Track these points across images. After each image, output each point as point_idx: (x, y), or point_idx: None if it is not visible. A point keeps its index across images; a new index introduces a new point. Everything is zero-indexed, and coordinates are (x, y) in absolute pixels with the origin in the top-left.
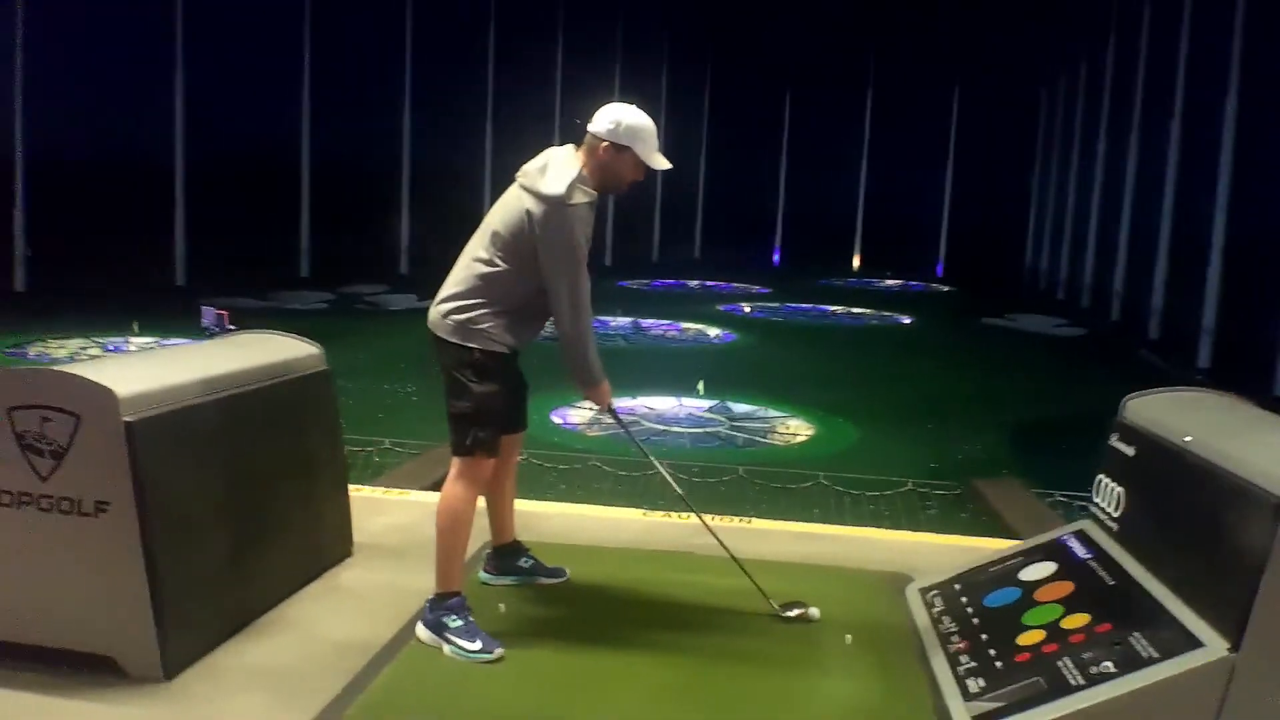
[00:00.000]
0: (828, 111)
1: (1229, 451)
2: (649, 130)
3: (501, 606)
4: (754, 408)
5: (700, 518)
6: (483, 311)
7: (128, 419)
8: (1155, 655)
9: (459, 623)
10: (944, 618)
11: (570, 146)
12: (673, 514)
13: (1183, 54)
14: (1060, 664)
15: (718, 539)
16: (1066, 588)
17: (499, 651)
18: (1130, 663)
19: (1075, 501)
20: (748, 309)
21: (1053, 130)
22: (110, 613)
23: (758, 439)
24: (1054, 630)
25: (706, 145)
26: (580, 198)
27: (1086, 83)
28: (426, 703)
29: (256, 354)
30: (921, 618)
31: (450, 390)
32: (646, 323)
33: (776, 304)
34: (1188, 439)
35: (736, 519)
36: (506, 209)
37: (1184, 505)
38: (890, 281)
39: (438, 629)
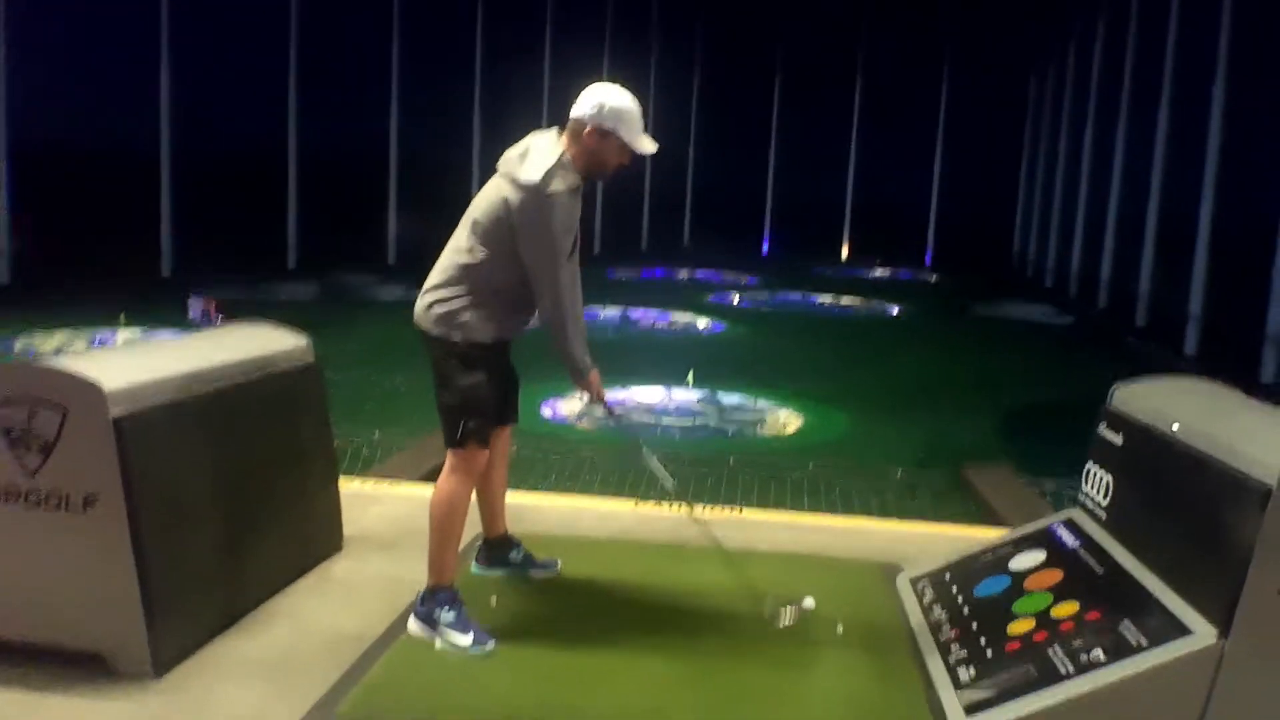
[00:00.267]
0: (816, 100)
1: (1217, 439)
2: (634, 113)
3: (494, 599)
4: (744, 398)
5: (693, 513)
6: (465, 302)
7: (116, 413)
8: (1144, 643)
9: (451, 615)
10: (935, 607)
11: (554, 131)
12: (664, 505)
13: (1170, 42)
14: (1050, 652)
15: (713, 537)
16: (1056, 576)
17: (491, 644)
18: (1120, 650)
19: (1064, 489)
20: (737, 299)
21: (1041, 119)
22: (100, 608)
23: (748, 429)
24: (1044, 619)
25: (695, 135)
26: (560, 184)
27: (1074, 71)
28: (419, 696)
29: (245, 346)
30: (912, 607)
31: (438, 383)
32: (636, 313)
33: (766, 294)
34: (1176, 427)
35: (727, 509)
36: (486, 198)
37: (1172, 493)
38: (879, 271)
39: (430, 622)
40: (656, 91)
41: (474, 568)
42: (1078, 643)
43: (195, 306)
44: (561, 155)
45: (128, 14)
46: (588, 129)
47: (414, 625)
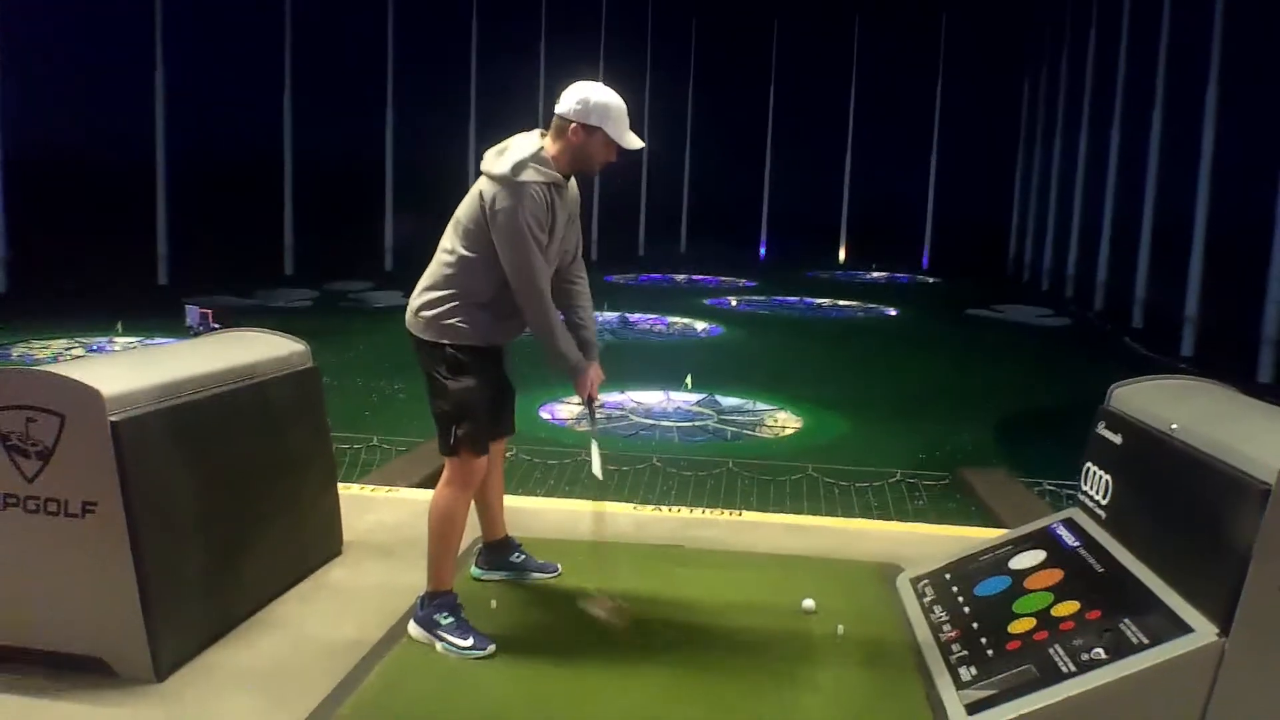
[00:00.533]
0: (812, 104)
1: (1215, 438)
2: (619, 108)
3: (493, 603)
4: (742, 401)
5: (604, 510)
6: (453, 305)
7: (114, 418)
8: (1145, 641)
9: (451, 620)
10: (935, 607)
11: (537, 131)
12: (663, 508)
13: (1164, 45)
14: (1051, 651)
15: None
16: (1056, 575)
17: (491, 648)
18: (1121, 649)
19: (1063, 490)
20: (734, 302)
21: (1036, 121)
22: (99, 614)
23: (746, 432)
24: (1044, 618)
25: (691, 140)
26: (531, 176)
27: (1069, 74)
28: (419, 701)
29: (243, 352)
30: (913, 607)
31: (430, 390)
32: (634, 317)
33: (763, 297)
34: (1174, 426)
35: (727, 512)
36: (469, 198)
37: (1171, 492)
38: (876, 273)
39: (430, 626)
40: (652, 97)
41: (474, 571)
42: (1079, 641)
43: (193, 314)
44: (538, 150)
45: (123, 24)
46: (572, 125)
47: (414, 629)
